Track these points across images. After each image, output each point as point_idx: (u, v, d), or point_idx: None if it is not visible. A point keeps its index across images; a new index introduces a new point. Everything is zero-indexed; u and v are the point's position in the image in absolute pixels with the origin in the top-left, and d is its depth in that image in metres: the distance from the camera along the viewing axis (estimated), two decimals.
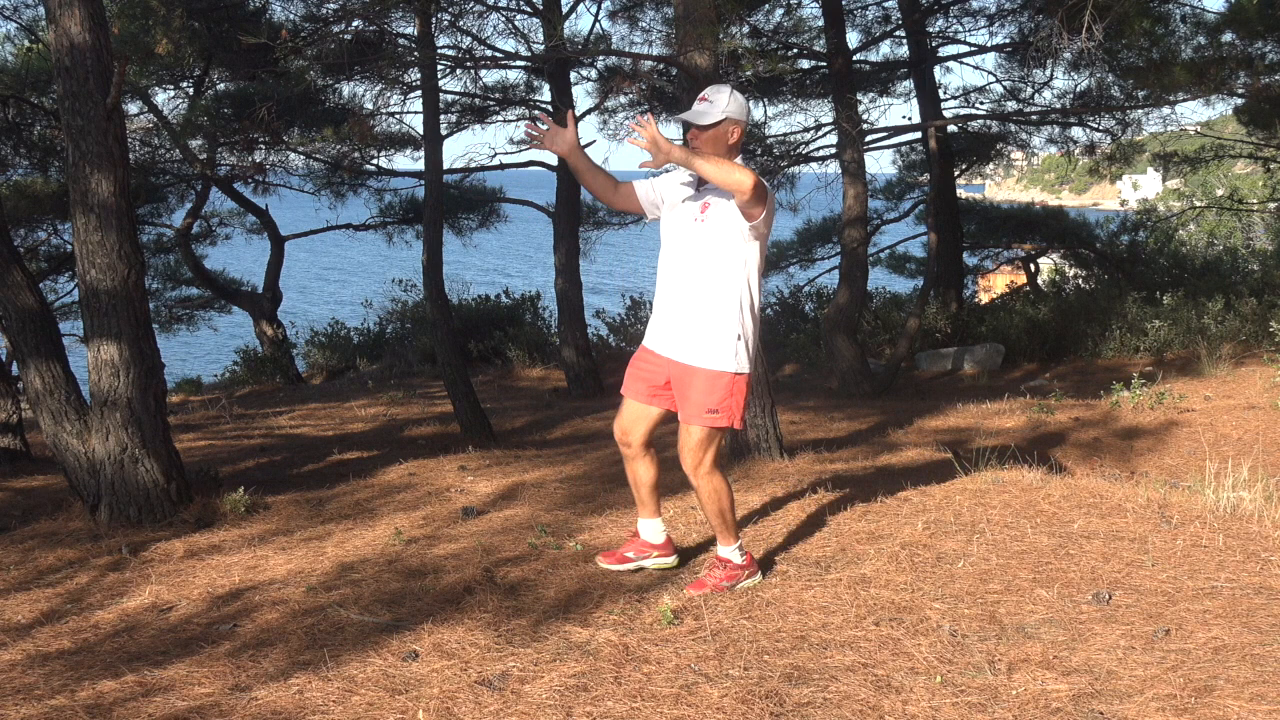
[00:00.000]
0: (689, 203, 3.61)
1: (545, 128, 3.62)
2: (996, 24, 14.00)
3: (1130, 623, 3.19)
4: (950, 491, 4.64)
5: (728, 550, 3.74)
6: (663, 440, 4.05)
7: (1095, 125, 14.61)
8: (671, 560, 3.94)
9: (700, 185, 3.61)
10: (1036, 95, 14.78)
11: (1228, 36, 11.12)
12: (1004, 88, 14.98)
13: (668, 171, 3.71)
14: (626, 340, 15.56)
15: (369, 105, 13.52)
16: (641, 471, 3.85)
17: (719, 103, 3.57)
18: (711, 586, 3.68)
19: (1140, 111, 13.41)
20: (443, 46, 11.85)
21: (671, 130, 17.56)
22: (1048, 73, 14.18)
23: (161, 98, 13.79)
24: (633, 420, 3.78)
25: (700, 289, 3.56)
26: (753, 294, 3.58)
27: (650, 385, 3.71)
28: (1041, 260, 18.16)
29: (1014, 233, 17.13)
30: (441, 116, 12.11)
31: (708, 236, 3.55)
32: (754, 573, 3.78)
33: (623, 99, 13.92)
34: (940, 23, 14.39)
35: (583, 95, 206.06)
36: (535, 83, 14.13)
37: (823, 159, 14.74)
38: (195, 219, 15.60)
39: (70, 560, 4.82)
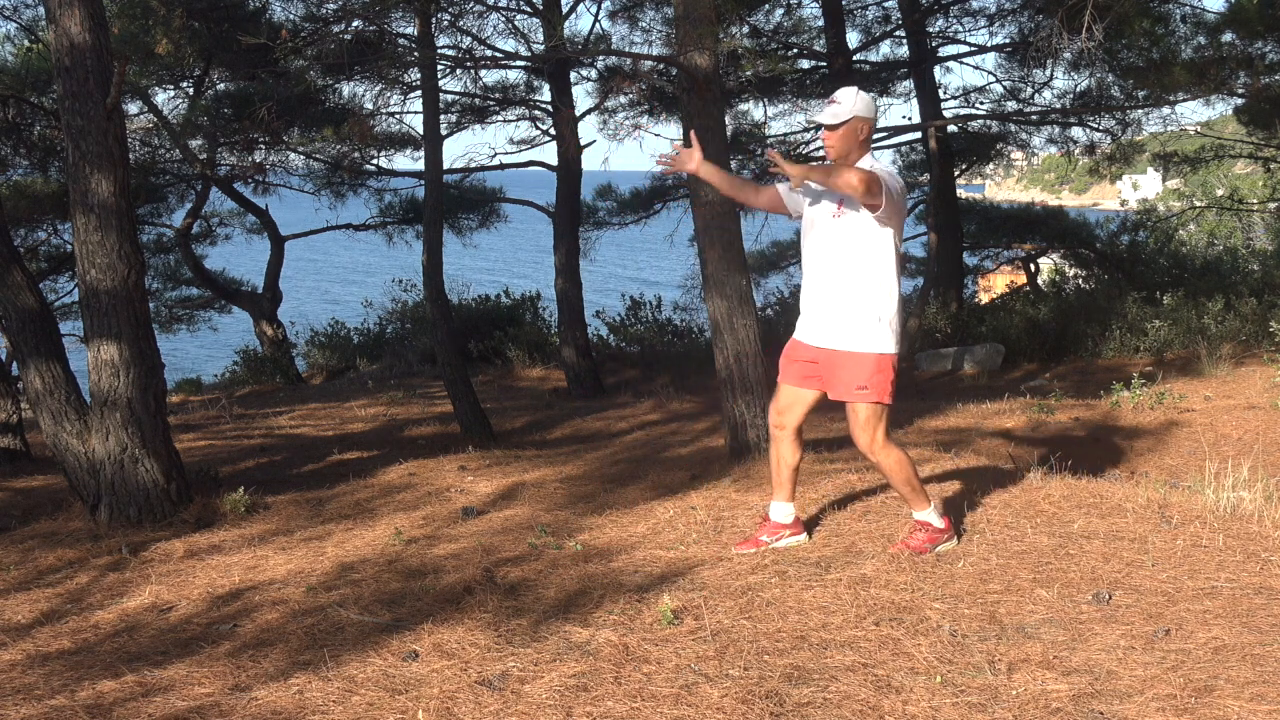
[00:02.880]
0: (826, 201, 3.88)
1: (676, 153, 3.95)
2: (996, 24, 14.01)
3: (1130, 623, 3.19)
4: (951, 491, 4.64)
5: (925, 514, 3.96)
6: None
7: (1095, 125, 14.60)
8: (802, 538, 4.16)
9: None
10: (1036, 95, 14.79)
11: (1228, 36, 11.12)
12: (1004, 88, 14.99)
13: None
14: (627, 340, 15.55)
15: (369, 105, 13.54)
16: (787, 454, 4.08)
17: (846, 103, 3.82)
18: (915, 548, 3.89)
19: (1140, 111, 13.41)
20: (443, 46, 11.86)
21: (673, 130, 17.56)
22: (1048, 73, 14.19)
23: (161, 98, 13.79)
24: (789, 404, 4.02)
25: (842, 279, 3.82)
26: (891, 278, 3.82)
27: (803, 370, 3.97)
28: (1041, 260, 18.15)
29: (1014, 233, 17.13)
30: (441, 116, 12.12)
31: (845, 230, 3.81)
32: (951, 536, 3.98)
33: (623, 99, 13.92)
34: (940, 23, 14.40)
35: (583, 95, 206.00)
36: (535, 83, 14.14)
37: (822, 159, 14.72)
38: (195, 219, 15.60)
39: (70, 560, 4.83)
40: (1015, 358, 12.95)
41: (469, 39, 12.21)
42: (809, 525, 4.38)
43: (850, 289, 3.80)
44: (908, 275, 18.70)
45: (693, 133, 3.90)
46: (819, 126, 3.91)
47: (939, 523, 3.96)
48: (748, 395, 6.14)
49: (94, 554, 4.90)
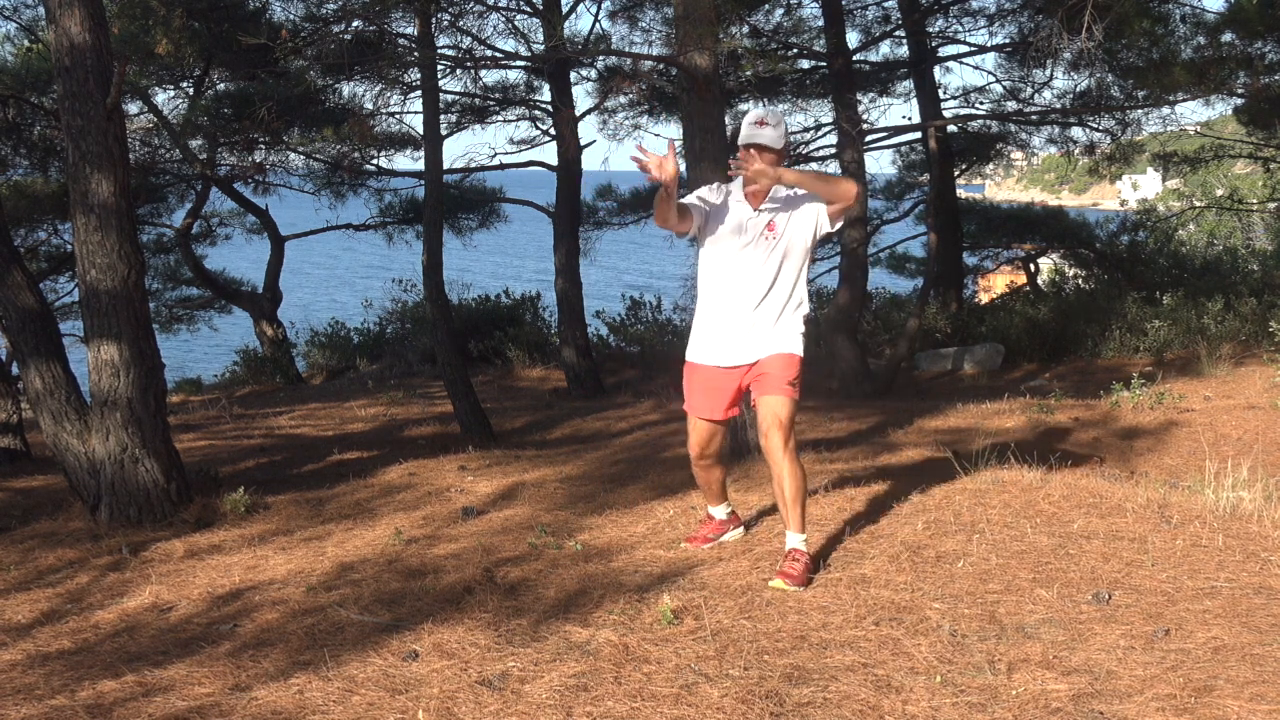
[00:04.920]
0: (750, 221, 3.89)
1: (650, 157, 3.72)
2: (996, 24, 14.00)
3: (1130, 623, 3.19)
4: (950, 491, 4.64)
5: (800, 540, 3.79)
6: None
7: (1095, 125, 14.60)
8: (740, 530, 4.37)
9: (760, 204, 3.90)
10: (1036, 95, 14.78)
11: (1228, 36, 11.12)
12: (1004, 88, 14.98)
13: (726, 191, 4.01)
14: (627, 340, 15.54)
15: (369, 105, 13.54)
16: (717, 474, 4.25)
17: (780, 128, 3.85)
18: (800, 580, 3.67)
19: (1140, 111, 13.40)
20: (443, 46, 11.86)
21: (673, 130, 17.60)
22: (1048, 73, 14.18)
23: (161, 98, 13.79)
24: (711, 436, 4.09)
25: (775, 296, 3.89)
26: (806, 288, 4.01)
27: (726, 401, 4.01)
28: (1041, 260, 18.14)
29: (1014, 233, 17.12)
30: (441, 116, 12.11)
31: (781, 249, 3.88)
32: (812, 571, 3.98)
33: (623, 99, 13.93)
34: (940, 23, 14.39)
35: (583, 95, 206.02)
36: (535, 83, 14.13)
37: (823, 159, 14.74)
38: (195, 219, 15.59)
39: (70, 560, 4.83)
40: (1015, 358, 12.95)
41: (469, 39, 12.21)
42: (811, 524, 4.38)
43: (785, 303, 3.90)
44: (908, 275, 18.74)
45: (671, 145, 3.72)
46: (762, 148, 3.77)
47: (806, 549, 3.79)
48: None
49: (94, 554, 4.90)
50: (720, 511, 4.33)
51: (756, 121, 3.82)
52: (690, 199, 3.96)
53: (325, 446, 8.49)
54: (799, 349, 3.89)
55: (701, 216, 3.92)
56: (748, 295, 3.89)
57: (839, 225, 3.93)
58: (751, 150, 3.77)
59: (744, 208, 3.91)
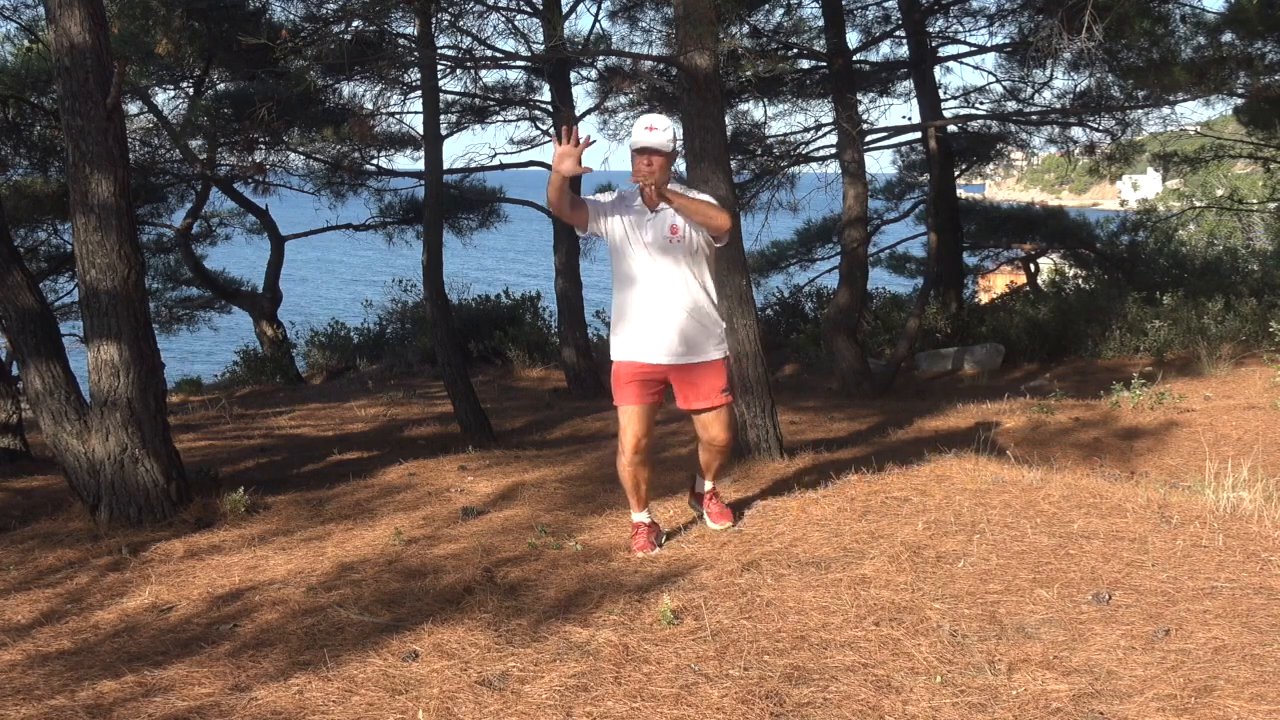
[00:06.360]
0: (654, 224, 4.03)
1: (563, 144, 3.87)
2: (996, 24, 14.00)
3: (1130, 623, 3.19)
4: (950, 491, 4.64)
5: (710, 485, 4.50)
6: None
7: (1095, 125, 14.58)
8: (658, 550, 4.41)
9: (658, 206, 4.02)
10: (1036, 95, 14.77)
11: (1228, 36, 11.13)
12: (1004, 88, 14.97)
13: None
14: None
15: (369, 105, 13.53)
16: (645, 473, 4.28)
17: (669, 131, 3.95)
18: (728, 514, 4.45)
19: (1140, 111, 13.40)
20: (443, 46, 11.86)
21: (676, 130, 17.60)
22: (1048, 73, 14.18)
23: (161, 98, 13.79)
24: (646, 426, 4.22)
25: (689, 296, 4.06)
26: (715, 290, 4.19)
27: (652, 390, 4.20)
28: (1041, 260, 18.15)
29: (1014, 233, 17.12)
30: (441, 116, 12.11)
31: (686, 251, 4.03)
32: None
33: (623, 99, 13.92)
34: (940, 23, 14.38)
35: (583, 95, 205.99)
36: (535, 83, 14.14)
37: (823, 159, 14.73)
38: (195, 219, 15.59)
39: (70, 560, 4.83)
40: (1015, 358, 12.95)
41: (469, 39, 12.22)
42: (809, 525, 4.39)
43: (701, 304, 4.07)
44: (908, 275, 18.73)
45: (575, 131, 3.87)
46: (649, 151, 3.89)
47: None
48: (748, 395, 6.14)
49: (94, 554, 4.90)
50: (645, 516, 4.32)
51: (646, 127, 3.95)
52: (589, 198, 4.14)
53: (325, 446, 8.49)
54: (725, 351, 4.19)
55: (598, 218, 4.07)
56: (663, 296, 4.04)
57: (720, 244, 4.11)
58: (644, 154, 3.90)
59: (645, 212, 4.05)
